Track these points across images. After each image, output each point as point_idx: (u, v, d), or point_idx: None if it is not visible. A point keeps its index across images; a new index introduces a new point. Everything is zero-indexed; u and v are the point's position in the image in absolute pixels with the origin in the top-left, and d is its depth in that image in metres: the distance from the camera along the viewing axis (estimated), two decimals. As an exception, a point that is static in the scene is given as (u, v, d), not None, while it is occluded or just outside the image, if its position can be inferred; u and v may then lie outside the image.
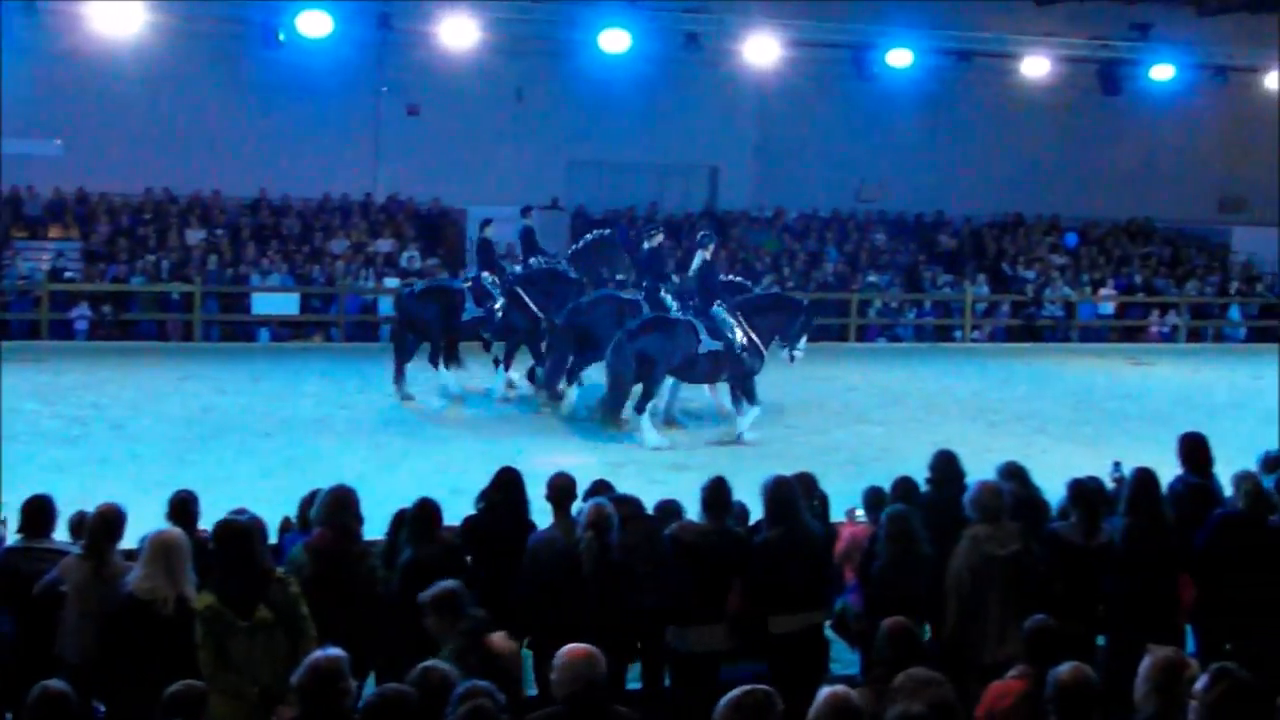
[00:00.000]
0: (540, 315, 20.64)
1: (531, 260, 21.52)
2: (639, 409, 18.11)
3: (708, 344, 18.03)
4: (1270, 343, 32.50)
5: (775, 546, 8.58)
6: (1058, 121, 35.43)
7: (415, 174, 31.43)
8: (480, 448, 17.24)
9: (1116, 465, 10.04)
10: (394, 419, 19.42)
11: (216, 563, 7.54)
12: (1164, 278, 34.12)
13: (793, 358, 19.02)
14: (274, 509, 9.88)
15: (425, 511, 8.51)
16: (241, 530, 7.63)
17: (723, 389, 19.14)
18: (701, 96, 32.42)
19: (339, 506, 8.34)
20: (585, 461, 15.62)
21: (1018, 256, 33.56)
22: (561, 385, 19.60)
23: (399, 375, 20.71)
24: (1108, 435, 19.65)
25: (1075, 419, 21.31)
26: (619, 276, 21.86)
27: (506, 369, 21.12)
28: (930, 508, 9.28)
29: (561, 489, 8.95)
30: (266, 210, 30.38)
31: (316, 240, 29.42)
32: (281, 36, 26.45)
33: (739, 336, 18.19)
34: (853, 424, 20.03)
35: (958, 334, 31.12)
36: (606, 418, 18.32)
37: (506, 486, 9.19)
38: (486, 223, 21.88)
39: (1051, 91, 33.31)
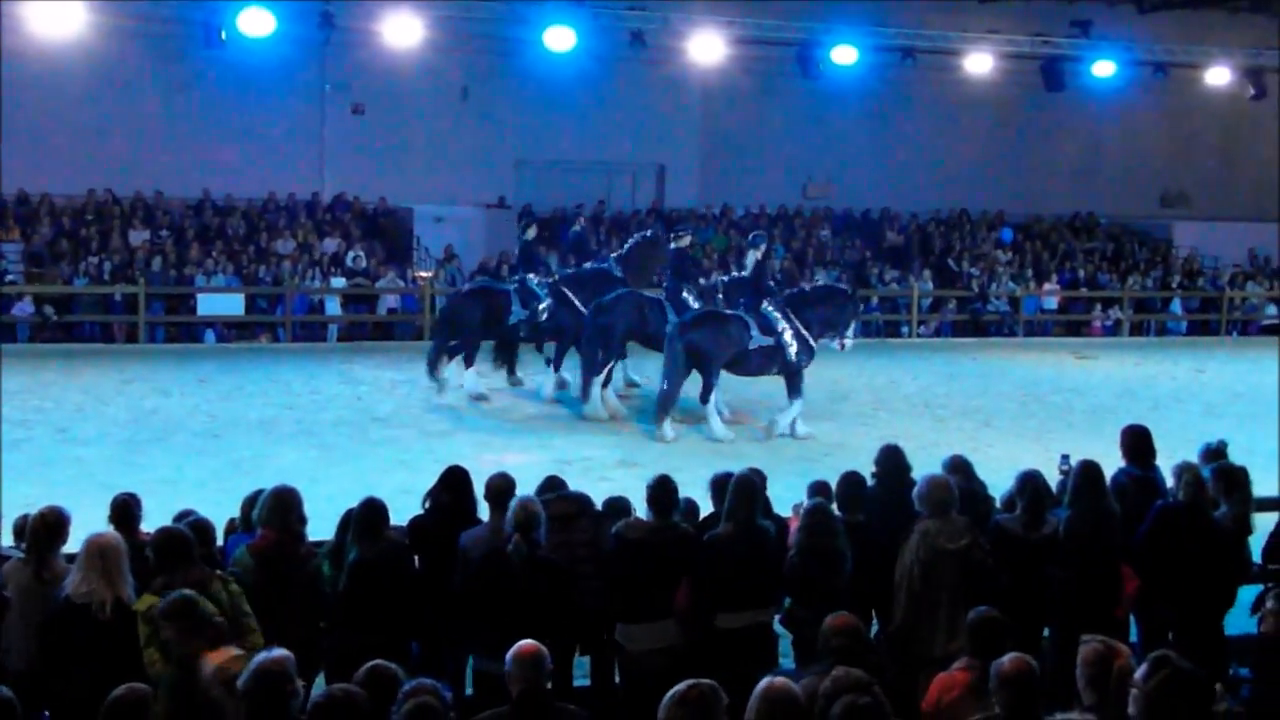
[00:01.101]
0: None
1: (587, 265, 21.73)
2: (702, 400, 18.48)
3: (758, 340, 18.46)
4: (1211, 336, 32.95)
5: (726, 543, 8.60)
6: (1001, 118, 35.78)
7: (361, 173, 31.29)
8: (428, 447, 17.24)
9: (1065, 458, 10.11)
10: (341, 419, 19.33)
11: (155, 569, 7.49)
12: (1107, 273, 34.44)
13: (843, 346, 19.39)
14: (220, 511, 9.82)
15: (372, 511, 8.46)
16: (179, 537, 7.60)
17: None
18: (647, 94, 32.47)
19: (281, 507, 8.28)
20: (534, 459, 15.64)
21: (963, 252, 33.78)
22: (597, 383, 19.57)
23: (434, 370, 20.53)
24: (1052, 429, 19.82)
25: (1020, 413, 21.48)
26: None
27: (556, 368, 21.08)
28: (877, 502, 9.34)
29: (497, 489, 8.87)
30: (211, 211, 30.15)
31: (262, 240, 29.23)
32: (223, 35, 26.29)
33: (788, 334, 18.52)
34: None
35: (904, 329, 31.29)
36: (658, 412, 18.53)
37: (454, 485, 9.14)
38: (529, 225, 22.11)
39: (995, 88, 33.63)
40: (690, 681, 5.46)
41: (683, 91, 33.08)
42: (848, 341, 19.35)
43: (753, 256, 19.33)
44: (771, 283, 19.60)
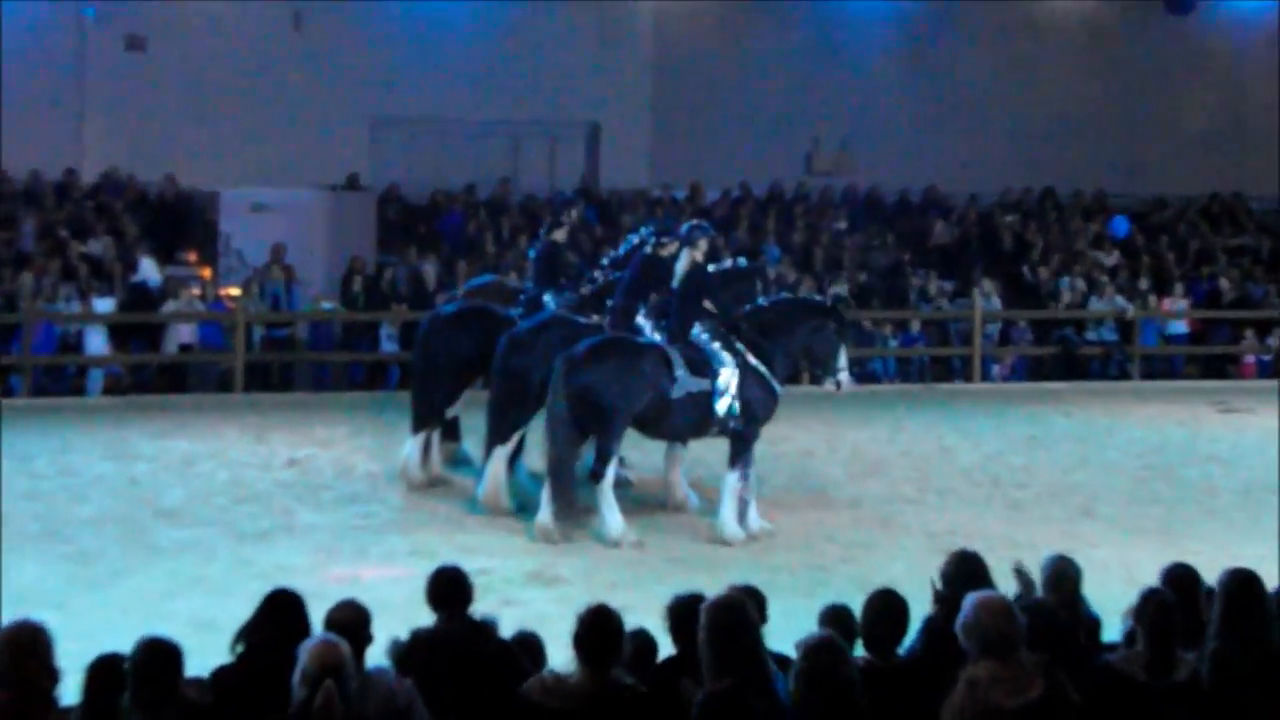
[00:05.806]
0: None
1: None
2: (593, 478, 18.04)
3: (685, 383, 18.10)
4: None
5: (722, 706, 8.48)
6: (1100, 59, 36.09)
7: (140, 141, 31.19)
8: (243, 557, 17.07)
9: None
10: (108, 515, 19.12)
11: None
12: (1262, 282, 34.60)
13: (839, 387, 19.24)
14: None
15: (154, 662, 8.31)
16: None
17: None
18: (571, 28, 32.59)
19: (18, 655, 8.15)
20: (404, 574, 15.44)
21: (1046, 254, 33.90)
22: (499, 456, 19.33)
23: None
24: (1187, 518, 19.91)
25: (1138, 495, 21.55)
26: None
27: None
28: (936, 637, 9.24)
29: (341, 625, 8.67)
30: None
31: (-11, 242, 29.07)
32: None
33: (724, 376, 18.25)
34: (807, 507, 20.03)
35: (960, 367, 31.32)
36: (555, 512, 18.08)
37: (278, 618, 9.01)
38: (555, 223, 22.12)
39: (1089, 15, 33.90)
40: None
41: (624, 23, 33.22)
42: (843, 378, 19.19)
43: (685, 260, 19.04)
44: (711, 302, 19.31)
